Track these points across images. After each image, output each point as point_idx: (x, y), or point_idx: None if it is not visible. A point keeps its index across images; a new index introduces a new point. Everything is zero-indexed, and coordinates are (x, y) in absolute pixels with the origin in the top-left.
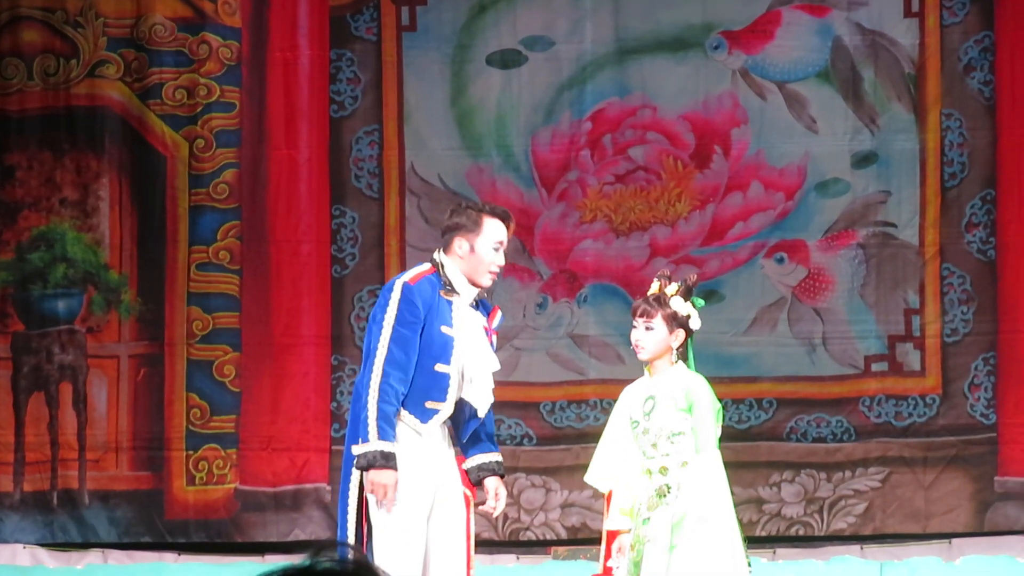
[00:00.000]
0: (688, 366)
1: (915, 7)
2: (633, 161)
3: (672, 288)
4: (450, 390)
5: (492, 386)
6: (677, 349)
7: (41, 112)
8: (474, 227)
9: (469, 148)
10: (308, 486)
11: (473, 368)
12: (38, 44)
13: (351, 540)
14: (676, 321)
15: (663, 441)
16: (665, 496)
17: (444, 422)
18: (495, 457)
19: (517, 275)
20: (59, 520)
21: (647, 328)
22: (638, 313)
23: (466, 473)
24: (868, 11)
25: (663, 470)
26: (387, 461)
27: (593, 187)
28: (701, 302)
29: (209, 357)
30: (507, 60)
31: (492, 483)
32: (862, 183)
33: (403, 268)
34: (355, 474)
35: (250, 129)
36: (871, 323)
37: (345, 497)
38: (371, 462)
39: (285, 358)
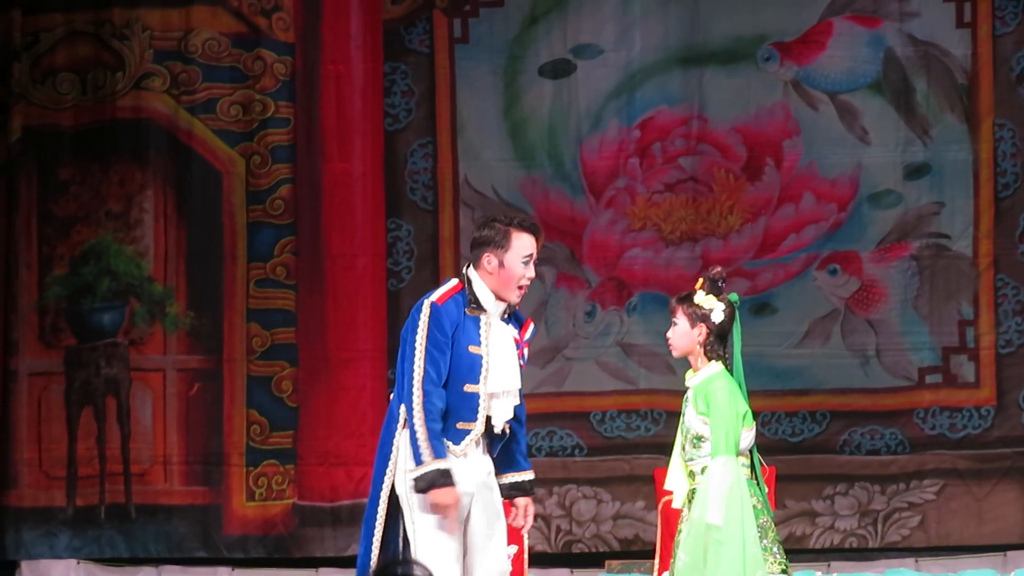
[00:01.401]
0: (731, 367)
1: (967, 17)
2: (683, 171)
3: (699, 282)
4: (480, 409)
5: (515, 402)
6: (703, 346)
7: (91, 125)
8: (503, 242)
9: (522, 159)
10: (365, 500)
11: (497, 386)
12: (91, 58)
13: (374, 557)
14: (697, 315)
15: (689, 445)
16: (692, 501)
17: (478, 440)
18: (527, 476)
19: (566, 283)
20: (107, 535)
21: (673, 324)
22: (669, 311)
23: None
24: (920, 22)
25: (691, 474)
26: (447, 479)
27: (642, 195)
28: (735, 296)
29: (268, 373)
30: (558, 70)
31: (522, 502)
32: (915, 194)
33: None
34: (385, 492)
35: (304, 144)
36: (925, 335)
37: (372, 517)
38: (432, 482)
39: (342, 373)
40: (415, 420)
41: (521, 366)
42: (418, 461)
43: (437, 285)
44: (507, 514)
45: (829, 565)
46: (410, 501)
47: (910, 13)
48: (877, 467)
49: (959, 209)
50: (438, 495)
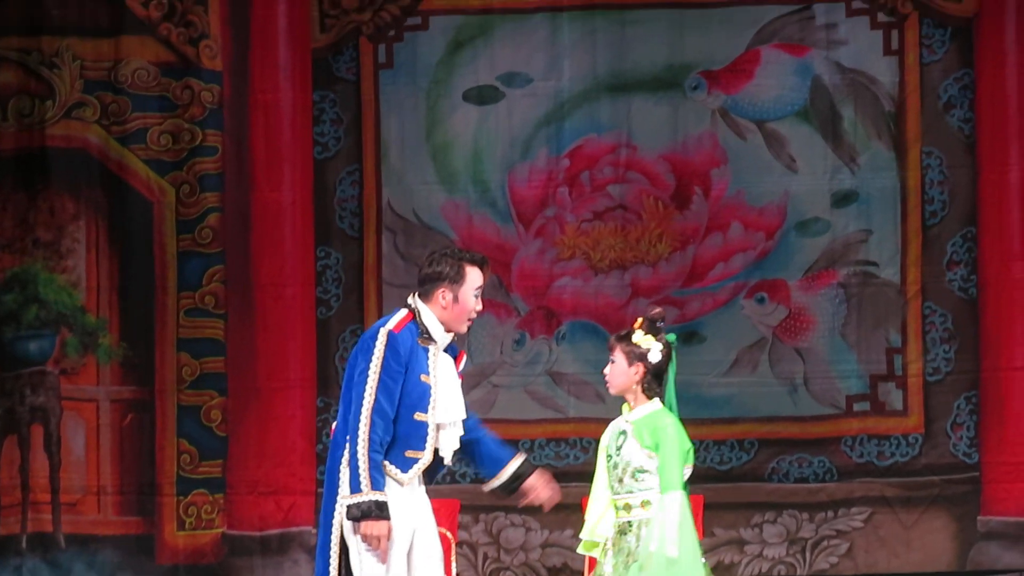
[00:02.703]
0: (666, 404)
1: (895, 45)
2: (612, 199)
3: (638, 323)
4: (428, 439)
5: (461, 433)
6: (639, 384)
7: (15, 152)
8: (457, 276)
9: (445, 183)
10: (294, 529)
11: (445, 416)
12: (13, 85)
13: None
14: (635, 355)
15: (628, 477)
16: (625, 534)
17: (423, 471)
18: (521, 458)
19: (494, 311)
20: (29, 564)
21: (610, 362)
22: (608, 348)
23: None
24: (847, 49)
25: (626, 507)
26: (381, 511)
27: (571, 224)
28: (672, 336)
29: (197, 402)
30: (484, 96)
31: (532, 479)
32: (842, 222)
33: (380, 307)
34: (336, 521)
35: (233, 172)
36: (853, 363)
37: (327, 546)
38: (366, 512)
39: (271, 402)
40: (358, 447)
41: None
42: (355, 489)
43: (362, 312)
44: (455, 539)
45: None
46: (355, 532)
47: (837, 41)
48: (805, 495)
49: (887, 237)
50: (370, 526)
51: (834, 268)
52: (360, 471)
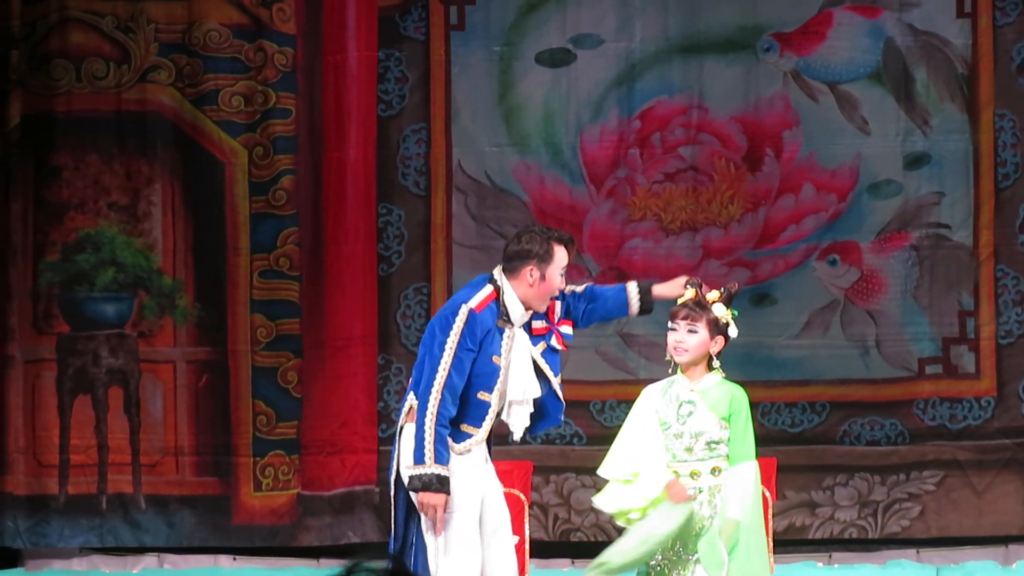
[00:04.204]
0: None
1: (967, 7)
2: (684, 160)
3: (714, 295)
4: (487, 418)
5: (531, 411)
6: (716, 355)
7: (89, 114)
8: (546, 256)
9: (517, 145)
10: (358, 488)
11: (516, 393)
12: (86, 47)
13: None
14: (717, 328)
15: (699, 447)
16: (693, 500)
17: (479, 445)
18: (632, 284)
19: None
20: (109, 524)
21: (690, 331)
22: (680, 316)
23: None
24: (920, 12)
25: (694, 474)
26: (441, 485)
27: (642, 185)
28: (735, 312)
29: (273, 364)
30: (556, 58)
31: (658, 288)
32: (915, 184)
33: (450, 266)
34: (393, 480)
35: (306, 135)
36: (925, 325)
37: (402, 508)
38: (426, 484)
39: (336, 361)
40: (426, 420)
41: (564, 347)
42: (419, 460)
43: (428, 270)
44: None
45: (831, 556)
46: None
47: (910, 3)
48: (877, 458)
49: (959, 199)
50: (428, 497)
51: (906, 230)
52: (425, 443)
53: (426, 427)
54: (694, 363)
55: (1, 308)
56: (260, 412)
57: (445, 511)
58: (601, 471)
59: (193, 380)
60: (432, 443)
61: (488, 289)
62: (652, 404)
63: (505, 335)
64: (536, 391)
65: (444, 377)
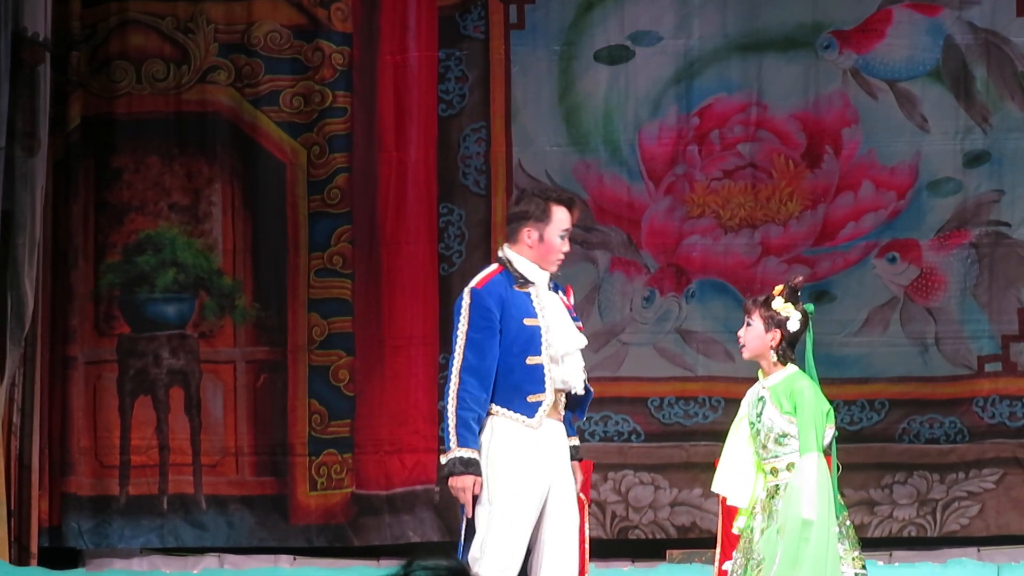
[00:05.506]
0: (805, 369)
1: None
2: (742, 157)
3: (777, 289)
4: (547, 379)
5: (583, 364)
6: (775, 349)
7: (149, 116)
8: (543, 216)
9: (576, 144)
10: (419, 488)
11: (560, 349)
12: (146, 48)
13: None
14: (773, 321)
15: (771, 443)
16: (774, 497)
17: (557, 411)
18: (571, 443)
19: (623, 268)
20: (170, 524)
21: (747, 325)
22: (744, 311)
23: (587, 468)
24: (980, 10)
25: (773, 471)
26: (466, 467)
27: (701, 182)
28: (811, 307)
29: (326, 362)
30: (614, 56)
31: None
32: (974, 182)
33: None
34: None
35: (361, 133)
36: (984, 323)
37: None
38: (451, 469)
39: (394, 360)
40: (448, 406)
41: (579, 327)
42: (447, 447)
43: None
44: (584, 502)
45: (891, 555)
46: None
47: (970, 1)
48: (936, 456)
49: (1019, 197)
50: (456, 480)
51: (966, 228)
52: (449, 429)
53: (449, 413)
54: (761, 357)
55: (63, 310)
56: (314, 411)
57: (472, 495)
58: (714, 487)
59: (252, 380)
60: (455, 427)
61: (492, 267)
62: (744, 406)
63: (532, 297)
64: (582, 340)
65: (460, 361)
